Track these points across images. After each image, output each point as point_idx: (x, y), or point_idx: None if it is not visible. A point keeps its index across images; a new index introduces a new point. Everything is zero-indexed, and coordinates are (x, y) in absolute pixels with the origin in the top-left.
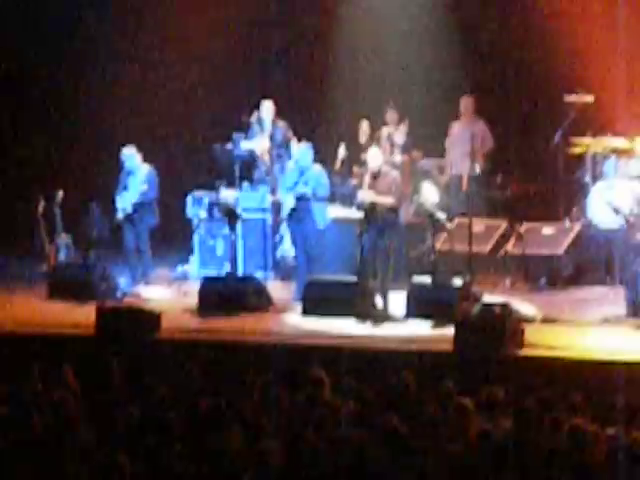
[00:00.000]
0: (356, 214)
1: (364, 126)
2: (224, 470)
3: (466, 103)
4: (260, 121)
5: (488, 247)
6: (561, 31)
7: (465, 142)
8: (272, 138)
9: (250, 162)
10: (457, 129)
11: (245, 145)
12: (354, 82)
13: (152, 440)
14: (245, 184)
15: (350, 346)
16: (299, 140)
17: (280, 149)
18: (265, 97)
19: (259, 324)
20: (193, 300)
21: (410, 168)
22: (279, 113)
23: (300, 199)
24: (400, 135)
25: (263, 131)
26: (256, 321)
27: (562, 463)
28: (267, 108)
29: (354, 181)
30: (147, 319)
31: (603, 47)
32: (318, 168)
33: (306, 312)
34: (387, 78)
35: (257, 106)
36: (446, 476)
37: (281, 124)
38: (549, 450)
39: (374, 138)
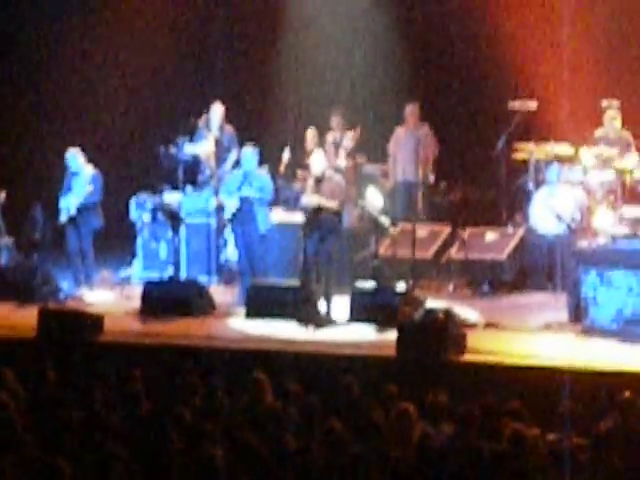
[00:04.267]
0: (300, 218)
1: (310, 134)
2: (166, 474)
3: (411, 109)
4: (207, 124)
5: (431, 252)
6: (505, 38)
7: (409, 148)
8: (219, 142)
9: (194, 166)
10: (401, 135)
11: (189, 149)
12: (300, 86)
13: (93, 443)
14: (189, 188)
15: (293, 350)
16: (244, 144)
17: (226, 153)
18: (213, 100)
19: (202, 328)
20: (136, 303)
21: (354, 173)
22: (227, 117)
23: (244, 202)
24: (348, 140)
25: (210, 134)
26: (199, 325)
27: (503, 468)
28: (217, 111)
29: (298, 185)
30: (89, 322)
31: (547, 54)
32: (262, 172)
33: (249, 316)
34: (333, 84)
35: (205, 109)
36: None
37: (228, 128)
38: (490, 455)
39: (320, 143)
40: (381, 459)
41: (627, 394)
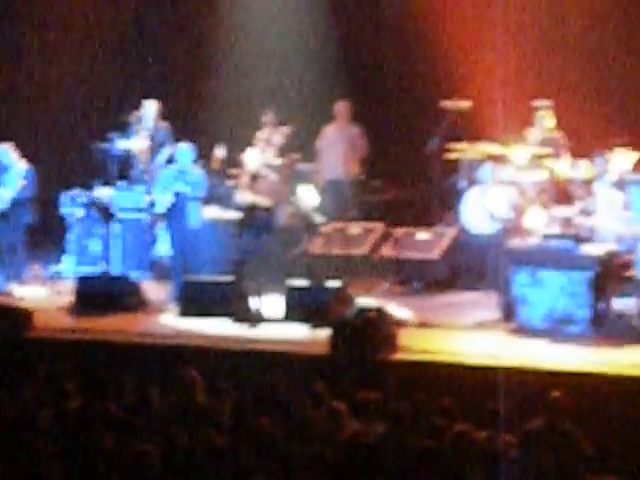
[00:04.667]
0: (233, 215)
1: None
2: (95, 471)
3: (341, 108)
4: (141, 120)
5: (364, 251)
6: (438, 37)
7: (339, 146)
8: (153, 138)
9: (127, 161)
10: (331, 133)
11: (122, 144)
12: (234, 83)
13: (21, 440)
14: (121, 183)
15: (225, 347)
16: (179, 140)
17: (160, 149)
18: (146, 97)
19: (134, 324)
20: (67, 299)
21: (288, 170)
22: (161, 113)
23: (177, 198)
24: (279, 137)
25: (143, 130)
26: (131, 321)
27: (434, 466)
28: (151, 107)
29: (232, 182)
30: (18, 317)
31: (480, 54)
32: (197, 168)
33: (182, 312)
34: (267, 81)
35: (138, 106)
36: (312, 479)
37: (163, 124)
38: (422, 453)
39: (253, 140)
40: (312, 457)
41: (556, 394)
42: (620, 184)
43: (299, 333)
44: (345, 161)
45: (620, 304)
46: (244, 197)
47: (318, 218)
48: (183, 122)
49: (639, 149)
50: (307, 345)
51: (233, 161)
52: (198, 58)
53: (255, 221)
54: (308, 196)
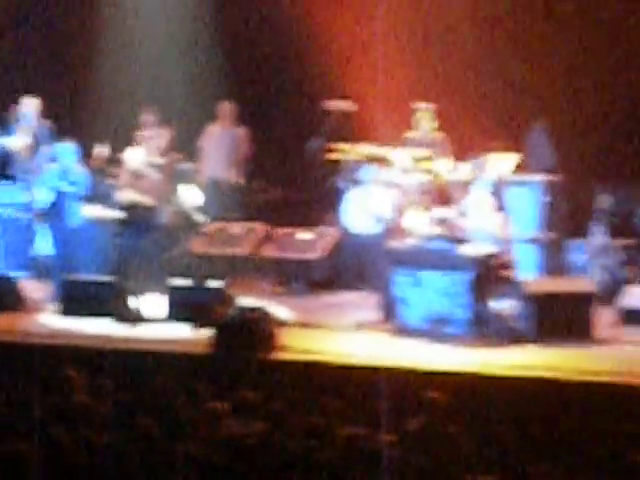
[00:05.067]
0: (115, 214)
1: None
2: None
3: (224, 108)
4: (21, 118)
5: (245, 251)
6: (321, 38)
7: (222, 147)
8: (34, 135)
9: (7, 159)
10: (214, 133)
11: (1, 141)
12: (116, 81)
13: None
14: (1, 181)
15: (106, 347)
16: (60, 138)
17: (41, 147)
18: (27, 94)
19: (12, 324)
20: None
21: (170, 170)
22: (42, 111)
23: (58, 197)
24: (161, 137)
25: (24, 128)
26: (9, 321)
27: (313, 465)
28: (32, 105)
29: (113, 181)
30: None
31: (363, 55)
32: (79, 166)
33: (62, 312)
34: (149, 80)
35: (18, 103)
36: (192, 478)
37: (44, 122)
38: (301, 452)
39: (134, 139)
40: (192, 457)
41: (435, 394)
42: (498, 186)
43: (180, 333)
44: (228, 161)
45: (498, 305)
46: (125, 196)
47: (200, 217)
48: (64, 120)
49: (517, 152)
50: (188, 345)
51: (114, 160)
52: (78, 55)
53: (136, 220)
54: (190, 195)
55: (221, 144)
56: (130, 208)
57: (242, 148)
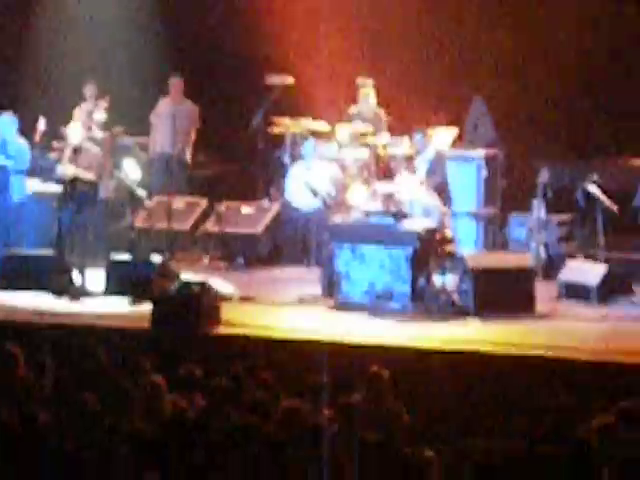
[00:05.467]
0: (55, 188)
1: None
2: None
3: (174, 83)
4: None
5: (188, 225)
6: (262, 12)
7: (171, 121)
8: None
9: None
10: (164, 108)
11: None
12: (59, 55)
13: None
14: None
15: (47, 321)
16: (0, 112)
17: None
18: None
19: None
20: None
21: (111, 144)
22: None
23: None
24: (99, 111)
25: None
26: None
27: (256, 440)
28: None
29: (54, 155)
30: None
31: (305, 30)
32: (19, 140)
33: (3, 286)
34: (91, 54)
35: None
36: (132, 453)
37: None
38: (243, 427)
39: (76, 113)
40: (133, 432)
41: (376, 368)
42: (439, 161)
43: (121, 307)
44: (177, 136)
45: (440, 280)
46: (66, 170)
47: (141, 192)
48: (4, 93)
49: (458, 126)
50: (129, 319)
51: (56, 134)
52: (19, 26)
53: (77, 195)
54: (132, 170)
55: (169, 118)
56: (70, 183)
57: (192, 122)
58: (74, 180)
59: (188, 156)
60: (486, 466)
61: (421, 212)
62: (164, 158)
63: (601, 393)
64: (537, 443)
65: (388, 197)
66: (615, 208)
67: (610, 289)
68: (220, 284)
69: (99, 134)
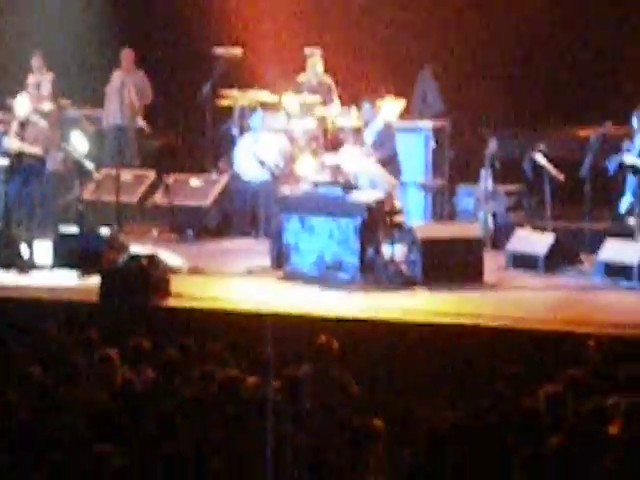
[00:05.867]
0: (1, 162)
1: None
2: None
3: (125, 55)
4: None
5: (136, 197)
6: None
7: (123, 93)
8: None
9: None
10: (116, 79)
11: None
12: (5, 27)
13: None
14: None
15: None
16: None
17: None
18: None
19: None
20: None
21: (59, 117)
22: None
23: None
24: (46, 83)
25: None
26: None
27: (207, 412)
28: None
29: (1, 128)
30: None
31: (252, 1)
32: None
33: None
34: (39, 25)
35: None
36: (87, 426)
37: None
38: (193, 399)
39: (23, 85)
40: (84, 404)
41: (325, 339)
42: (387, 132)
43: (69, 280)
44: (130, 107)
45: (389, 250)
46: (13, 144)
47: (89, 164)
48: None
49: (406, 97)
50: (78, 292)
51: (2, 106)
52: None
53: (24, 168)
54: (79, 142)
55: (123, 90)
56: (16, 156)
57: (144, 93)
58: (20, 153)
59: (140, 126)
60: (435, 435)
61: (367, 184)
62: (116, 130)
63: (548, 362)
64: (485, 412)
65: (336, 168)
66: (562, 177)
67: (557, 258)
68: (169, 256)
69: (46, 106)
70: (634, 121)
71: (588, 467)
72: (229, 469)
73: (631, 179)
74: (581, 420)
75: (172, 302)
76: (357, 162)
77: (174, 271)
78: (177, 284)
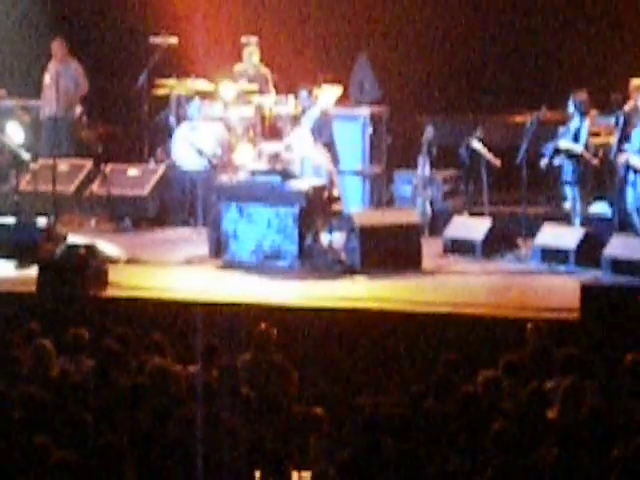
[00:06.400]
0: None
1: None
2: None
3: (57, 45)
4: None
5: (73, 187)
6: None
7: (59, 83)
8: None
9: None
10: (51, 69)
11: None
12: None
13: None
14: None
15: None
16: None
17: None
18: None
19: None
20: None
21: None
22: None
23: None
24: None
25: None
26: None
27: (144, 402)
28: None
29: None
30: None
31: None
32: None
33: None
34: None
35: None
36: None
37: None
38: (131, 389)
39: None
40: (21, 396)
41: (263, 327)
42: (324, 119)
43: (7, 271)
44: (63, 96)
45: (327, 238)
46: None
47: (25, 155)
48: None
49: (343, 84)
50: (15, 283)
51: None
52: None
53: None
54: (15, 133)
55: (59, 80)
56: None
57: (77, 82)
58: None
59: (76, 116)
60: (374, 422)
61: (310, 171)
62: (53, 120)
63: (487, 347)
64: (425, 398)
65: (275, 156)
66: (498, 163)
67: (495, 244)
68: (107, 246)
69: None
70: (569, 106)
71: (528, 451)
72: (164, 458)
73: (567, 164)
74: (520, 405)
75: (110, 292)
76: (304, 148)
77: (112, 261)
78: (115, 274)
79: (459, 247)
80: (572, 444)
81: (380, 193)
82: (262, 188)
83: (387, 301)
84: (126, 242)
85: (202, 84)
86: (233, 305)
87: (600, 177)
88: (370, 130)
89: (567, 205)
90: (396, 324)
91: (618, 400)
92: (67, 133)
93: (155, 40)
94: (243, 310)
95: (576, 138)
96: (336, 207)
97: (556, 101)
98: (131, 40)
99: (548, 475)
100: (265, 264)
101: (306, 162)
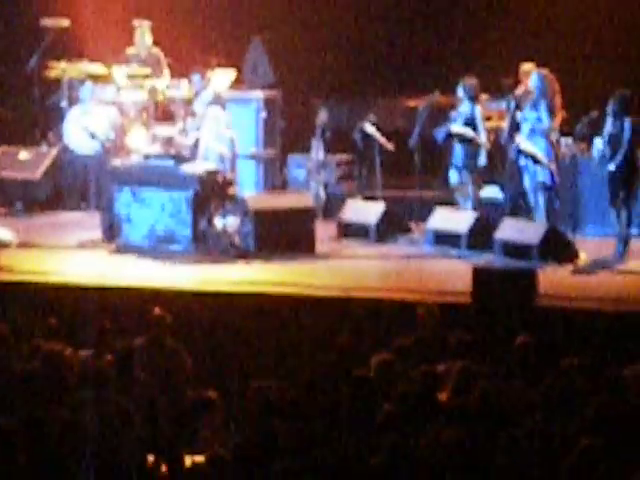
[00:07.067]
0: None
1: None
2: None
3: None
4: None
5: None
6: None
7: None
8: None
9: None
10: None
11: None
12: None
13: None
14: None
15: None
16: None
17: None
18: None
19: None
20: None
21: None
22: None
23: None
24: None
25: None
26: None
27: (33, 387)
28: None
29: None
30: None
31: None
32: None
33: None
34: None
35: None
36: None
37: None
38: (23, 375)
39: None
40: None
41: (157, 311)
42: (217, 102)
43: None
44: None
45: (221, 222)
46: None
47: None
48: None
49: (235, 68)
50: None
51: None
52: None
53: None
54: None
55: None
56: None
57: None
58: None
59: None
60: (266, 407)
61: (204, 155)
62: None
63: (380, 331)
64: (318, 382)
65: (169, 140)
66: (391, 147)
67: (388, 228)
68: None
69: None
70: (459, 91)
71: (419, 432)
72: (56, 443)
73: (458, 148)
74: (412, 387)
75: (2, 276)
76: (197, 132)
77: (3, 245)
78: (7, 258)
79: (353, 231)
80: (462, 425)
81: (274, 177)
82: (156, 172)
83: (281, 285)
84: (18, 226)
85: (94, 67)
86: (127, 289)
87: (491, 161)
88: (264, 114)
89: (453, 189)
90: (290, 308)
91: (508, 382)
92: None
93: (47, 22)
94: (137, 294)
95: (467, 123)
96: (230, 191)
97: (449, 86)
98: (22, 22)
99: (440, 455)
100: (159, 248)
101: (201, 145)
